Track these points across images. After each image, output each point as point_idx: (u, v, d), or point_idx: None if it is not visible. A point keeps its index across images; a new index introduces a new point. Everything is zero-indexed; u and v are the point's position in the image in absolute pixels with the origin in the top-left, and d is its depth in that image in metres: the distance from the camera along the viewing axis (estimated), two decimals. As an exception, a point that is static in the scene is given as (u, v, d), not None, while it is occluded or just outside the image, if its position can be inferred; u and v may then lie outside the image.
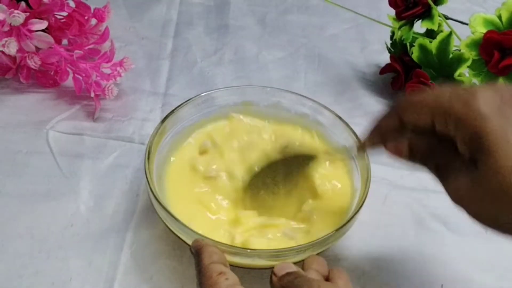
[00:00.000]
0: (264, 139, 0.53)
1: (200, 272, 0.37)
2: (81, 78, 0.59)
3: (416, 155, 0.39)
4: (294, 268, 0.37)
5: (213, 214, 0.48)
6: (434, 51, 0.59)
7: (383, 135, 0.38)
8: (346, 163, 0.51)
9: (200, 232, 0.42)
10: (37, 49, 0.58)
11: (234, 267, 0.41)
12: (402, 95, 0.36)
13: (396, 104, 0.36)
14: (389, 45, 0.68)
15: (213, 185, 0.50)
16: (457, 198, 0.33)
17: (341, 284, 0.36)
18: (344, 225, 0.44)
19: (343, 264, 0.48)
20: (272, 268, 0.39)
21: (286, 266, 0.37)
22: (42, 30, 0.57)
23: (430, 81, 0.58)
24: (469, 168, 0.32)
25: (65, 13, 0.60)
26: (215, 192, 0.49)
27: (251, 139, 0.53)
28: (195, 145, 0.53)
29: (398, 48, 0.65)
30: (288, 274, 0.36)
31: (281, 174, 0.49)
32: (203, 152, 0.52)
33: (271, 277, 0.37)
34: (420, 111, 0.33)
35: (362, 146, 0.42)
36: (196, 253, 0.39)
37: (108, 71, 0.59)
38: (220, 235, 0.45)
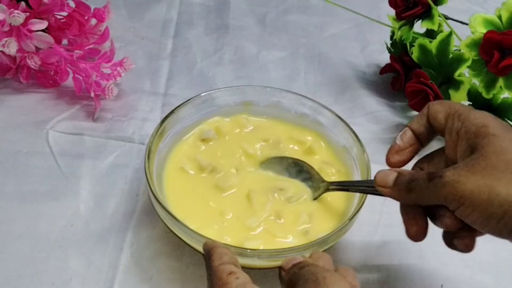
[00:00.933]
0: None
1: (211, 273, 0.36)
2: (81, 78, 0.59)
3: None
4: (301, 259, 0.37)
5: (213, 213, 0.48)
6: (434, 51, 0.58)
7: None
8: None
9: (200, 232, 0.42)
10: (37, 49, 0.58)
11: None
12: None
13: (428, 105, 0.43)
14: (389, 45, 0.68)
15: (214, 185, 0.50)
16: (455, 182, 0.36)
17: (349, 279, 0.36)
18: (344, 225, 0.44)
19: (343, 264, 0.48)
20: (271, 268, 0.38)
21: (293, 258, 0.37)
22: (42, 30, 0.57)
23: (430, 81, 0.58)
24: (464, 157, 0.38)
25: (65, 13, 0.60)
26: (216, 191, 0.49)
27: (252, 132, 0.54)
28: (196, 138, 0.53)
29: (398, 48, 0.65)
30: (294, 265, 0.36)
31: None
32: (204, 140, 0.53)
33: (280, 273, 0.37)
34: (442, 107, 0.41)
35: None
36: (206, 255, 0.39)
37: (108, 71, 0.59)
38: (219, 235, 0.45)
